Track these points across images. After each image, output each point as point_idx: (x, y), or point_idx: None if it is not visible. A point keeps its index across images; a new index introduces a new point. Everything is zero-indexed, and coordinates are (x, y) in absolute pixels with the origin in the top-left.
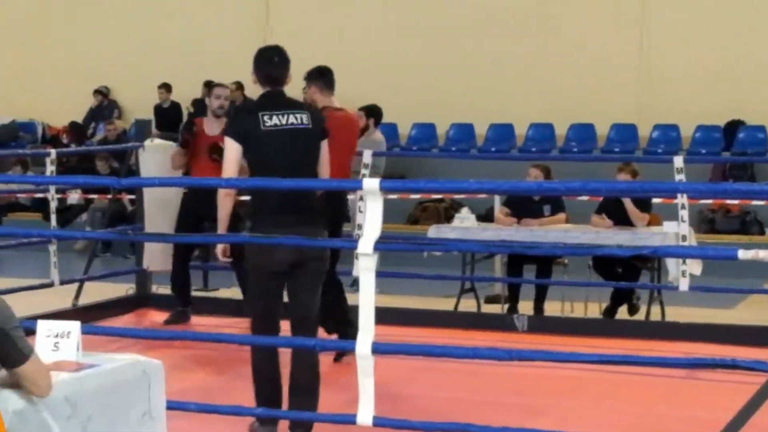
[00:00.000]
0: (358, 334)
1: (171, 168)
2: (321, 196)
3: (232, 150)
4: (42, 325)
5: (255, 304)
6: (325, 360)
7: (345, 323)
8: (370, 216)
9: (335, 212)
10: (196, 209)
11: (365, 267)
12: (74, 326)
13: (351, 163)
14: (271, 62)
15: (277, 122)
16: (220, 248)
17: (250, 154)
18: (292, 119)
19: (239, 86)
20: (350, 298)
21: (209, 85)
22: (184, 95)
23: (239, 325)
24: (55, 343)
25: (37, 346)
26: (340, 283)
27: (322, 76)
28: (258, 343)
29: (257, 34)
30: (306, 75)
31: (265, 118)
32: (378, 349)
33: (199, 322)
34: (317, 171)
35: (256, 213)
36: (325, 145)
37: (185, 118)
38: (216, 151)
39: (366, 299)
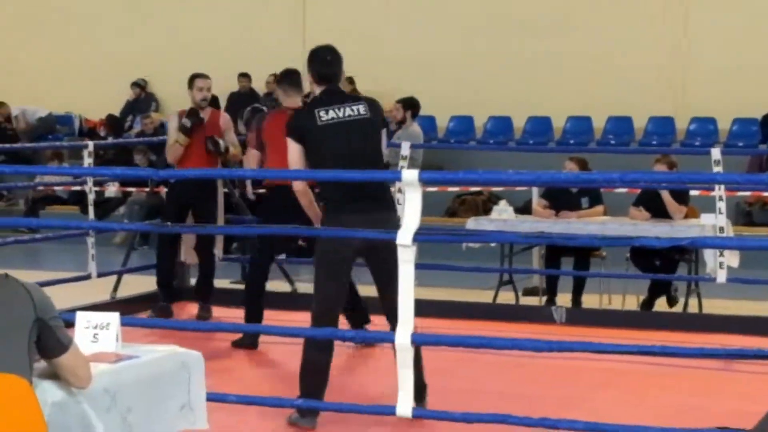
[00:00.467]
0: (398, 326)
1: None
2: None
3: (294, 150)
4: (81, 317)
5: (324, 290)
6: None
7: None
8: (409, 207)
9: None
10: (181, 198)
11: (404, 259)
12: (113, 317)
13: None
14: (324, 61)
15: (334, 115)
16: None
17: (309, 149)
18: (349, 111)
19: (276, 78)
20: None
21: (191, 78)
22: (222, 88)
23: (278, 317)
24: (95, 334)
25: (77, 337)
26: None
27: (285, 78)
28: (306, 336)
29: (294, 27)
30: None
31: (321, 113)
32: (417, 340)
33: (238, 315)
34: (381, 158)
35: (328, 200)
36: (383, 133)
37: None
38: (212, 144)
39: (405, 291)
